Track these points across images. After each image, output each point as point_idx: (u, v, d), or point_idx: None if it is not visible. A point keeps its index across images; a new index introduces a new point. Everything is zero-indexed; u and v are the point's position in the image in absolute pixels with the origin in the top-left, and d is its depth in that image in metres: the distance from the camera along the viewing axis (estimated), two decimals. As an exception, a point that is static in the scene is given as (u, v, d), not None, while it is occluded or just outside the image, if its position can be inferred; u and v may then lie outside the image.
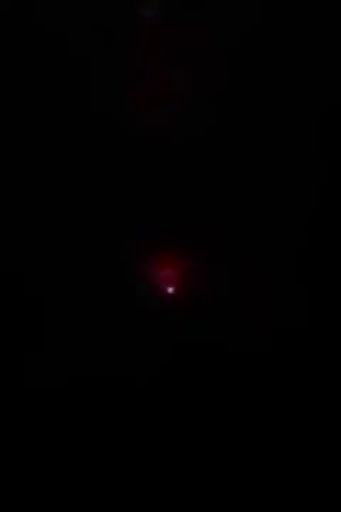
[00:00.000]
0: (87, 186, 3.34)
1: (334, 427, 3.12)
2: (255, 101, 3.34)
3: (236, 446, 3.11)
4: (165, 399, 3.17)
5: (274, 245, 3.29)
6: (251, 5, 3.33)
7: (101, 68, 3.35)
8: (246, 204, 3.32)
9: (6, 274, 3.27)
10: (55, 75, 3.34)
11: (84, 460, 3.10)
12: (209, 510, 3.03)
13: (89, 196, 3.33)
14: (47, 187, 3.32)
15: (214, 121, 3.33)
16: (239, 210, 3.32)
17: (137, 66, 3.35)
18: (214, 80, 3.35)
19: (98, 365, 3.19)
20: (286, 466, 3.09)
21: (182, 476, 3.09)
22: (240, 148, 3.34)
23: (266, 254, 3.28)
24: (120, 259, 3.29)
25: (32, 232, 3.29)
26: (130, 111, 3.33)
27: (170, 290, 3.29)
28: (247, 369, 3.20)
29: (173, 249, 3.31)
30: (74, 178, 3.33)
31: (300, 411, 3.15)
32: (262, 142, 3.33)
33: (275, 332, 3.22)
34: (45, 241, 3.29)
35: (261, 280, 3.27)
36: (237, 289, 3.27)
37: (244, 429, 3.14)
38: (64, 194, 3.33)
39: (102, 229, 3.31)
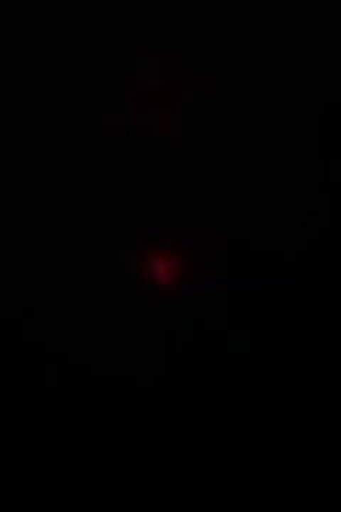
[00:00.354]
0: (86, 186, 3.33)
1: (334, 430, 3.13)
2: (255, 101, 3.34)
3: (238, 446, 3.12)
4: (165, 399, 3.17)
5: (274, 245, 3.29)
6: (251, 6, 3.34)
7: (101, 68, 3.35)
8: (246, 204, 3.32)
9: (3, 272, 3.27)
10: (55, 75, 3.34)
11: (84, 461, 3.10)
12: (209, 510, 3.03)
13: (88, 196, 3.33)
14: (46, 186, 3.32)
15: (213, 121, 3.33)
16: (239, 210, 3.32)
17: (137, 66, 3.35)
18: (213, 81, 3.35)
19: (98, 364, 3.19)
20: (288, 465, 3.09)
21: (182, 476, 3.09)
22: (240, 148, 3.34)
23: (266, 254, 3.28)
24: (119, 259, 3.29)
25: (29, 231, 3.29)
26: (130, 111, 3.33)
27: (170, 289, 3.29)
28: (247, 369, 3.20)
29: (173, 249, 3.31)
30: (74, 178, 3.33)
31: (299, 413, 3.15)
32: (262, 142, 3.33)
33: (275, 332, 3.22)
34: (43, 240, 3.29)
35: (261, 280, 3.27)
36: (237, 289, 3.27)
37: (244, 429, 3.14)
38: (63, 193, 3.32)
39: (101, 228, 3.31)
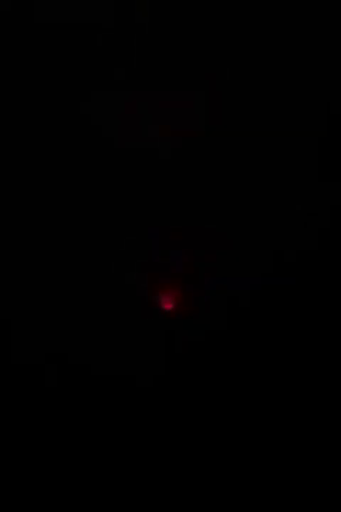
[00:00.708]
0: (86, 188, 3.34)
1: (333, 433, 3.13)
2: (255, 100, 3.34)
3: (238, 445, 3.12)
4: (165, 399, 3.18)
5: (275, 246, 3.29)
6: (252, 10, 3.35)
7: (101, 68, 3.36)
8: (246, 204, 3.32)
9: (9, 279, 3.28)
10: (55, 75, 3.35)
11: (84, 459, 3.10)
12: (209, 510, 3.04)
13: (87, 197, 3.34)
14: (48, 188, 3.33)
15: (213, 122, 3.34)
16: (239, 210, 3.32)
17: (136, 65, 3.36)
18: (213, 83, 3.36)
19: (98, 364, 3.19)
20: (287, 464, 3.10)
21: (182, 474, 3.09)
22: (240, 148, 3.34)
23: (266, 254, 3.28)
24: (118, 261, 3.29)
25: (31, 232, 3.30)
26: (130, 111, 3.34)
27: (172, 299, 3.30)
28: (247, 369, 3.20)
29: (175, 255, 3.31)
30: (74, 179, 3.33)
31: (299, 411, 3.15)
32: (262, 142, 3.33)
33: (275, 332, 3.23)
34: (44, 241, 3.30)
35: (261, 280, 3.27)
36: (237, 289, 3.27)
37: (244, 428, 3.14)
38: (63, 194, 3.33)
39: (100, 227, 3.32)
